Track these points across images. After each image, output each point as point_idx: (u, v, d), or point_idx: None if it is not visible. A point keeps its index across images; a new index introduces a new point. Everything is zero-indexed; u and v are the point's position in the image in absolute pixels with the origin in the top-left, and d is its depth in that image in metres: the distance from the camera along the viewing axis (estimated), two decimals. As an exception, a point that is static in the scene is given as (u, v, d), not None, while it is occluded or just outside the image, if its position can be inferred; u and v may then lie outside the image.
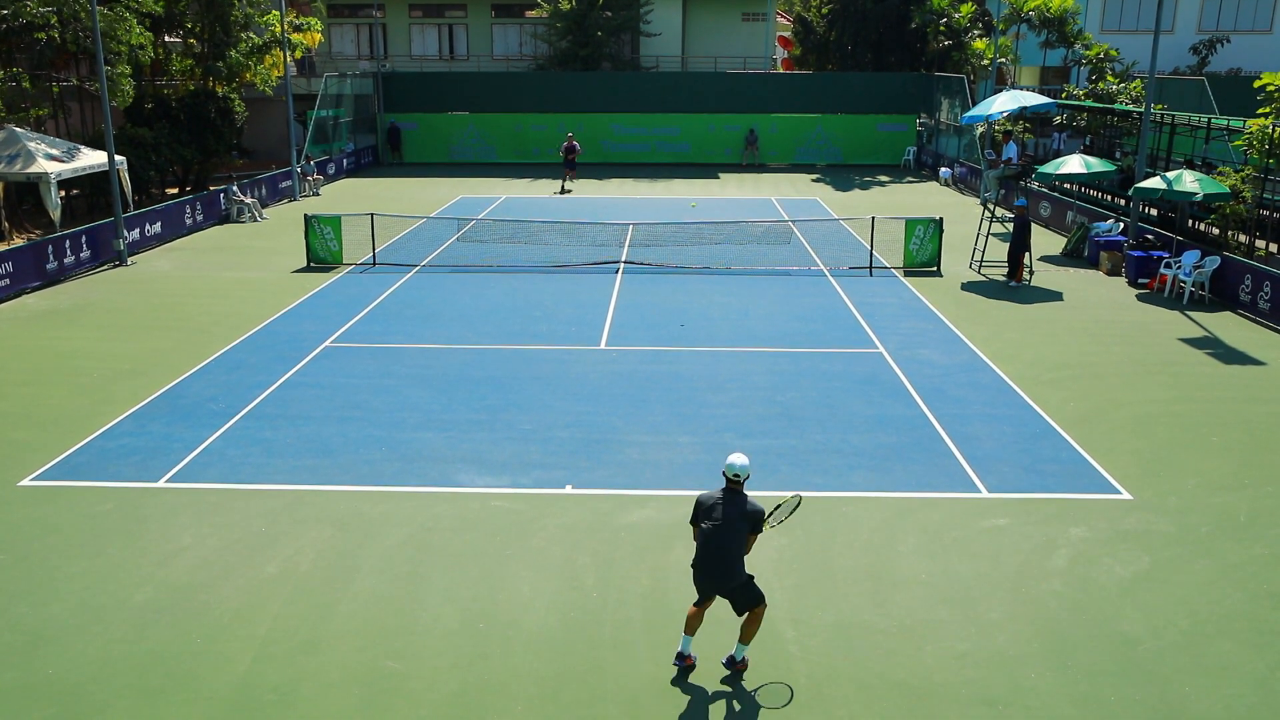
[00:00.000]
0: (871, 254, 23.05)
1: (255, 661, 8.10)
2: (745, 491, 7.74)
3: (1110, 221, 24.56)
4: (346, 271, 22.43)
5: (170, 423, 13.20)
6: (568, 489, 11.31)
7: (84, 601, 8.97)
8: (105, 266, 22.97)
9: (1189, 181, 20.00)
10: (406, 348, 16.66)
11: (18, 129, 25.37)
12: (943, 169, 38.93)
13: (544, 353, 16.39)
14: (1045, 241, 26.28)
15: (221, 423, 13.20)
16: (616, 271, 22.29)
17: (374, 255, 23.33)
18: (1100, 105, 32.70)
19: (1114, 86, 36.11)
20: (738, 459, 7.73)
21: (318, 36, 39.88)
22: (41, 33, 26.72)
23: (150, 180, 32.38)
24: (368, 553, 9.85)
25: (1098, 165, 23.30)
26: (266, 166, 39.14)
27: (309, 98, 40.65)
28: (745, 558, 7.71)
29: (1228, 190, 20.67)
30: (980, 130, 35.34)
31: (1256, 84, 22.05)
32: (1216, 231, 22.44)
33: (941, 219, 22.85)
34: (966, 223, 27.12)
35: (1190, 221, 23.81)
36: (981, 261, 22.95)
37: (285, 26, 33.72)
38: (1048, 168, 24.40)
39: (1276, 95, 21.18)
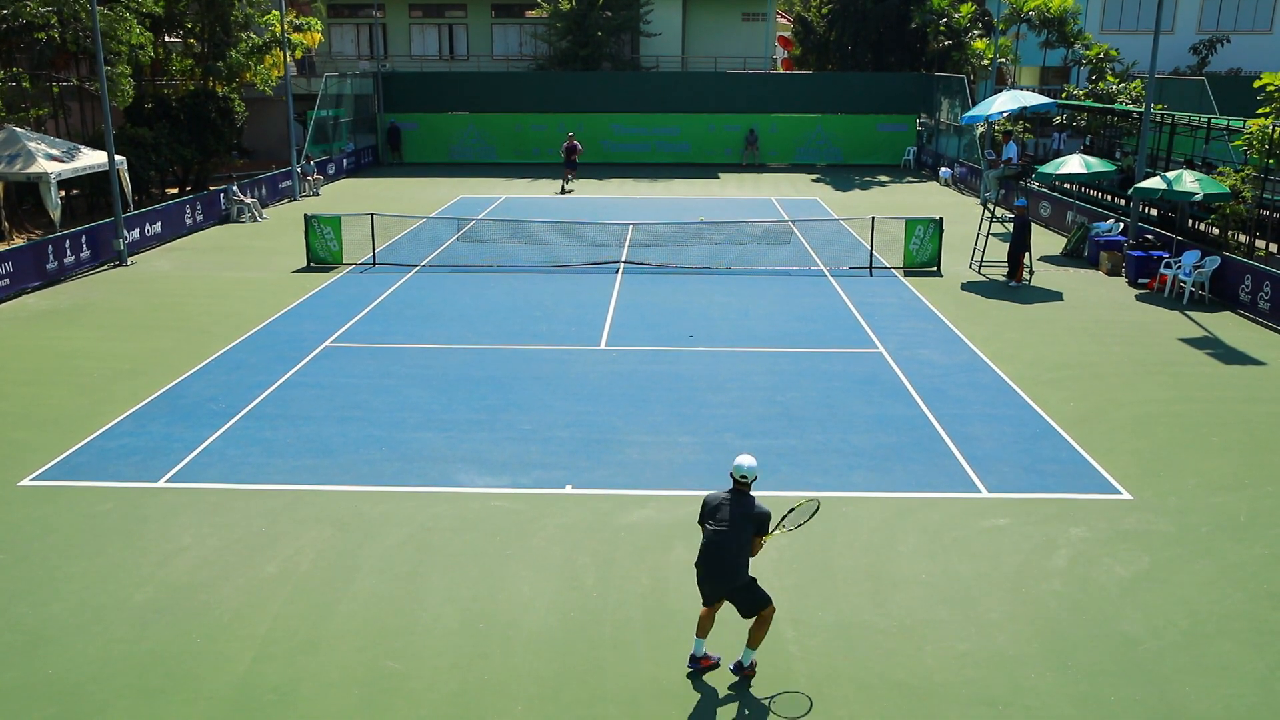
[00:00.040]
0: (871, 254, 23.05)
1: (255, 661, 8.10)
2: (753, 493, 7.68)
3: (1110, 221, 24.55)
4: (346, 271, 22.43)
5: (170, 423, 13.20)
6: (568, 489, 11.31)
7: (84, 601, 8.97)
8: (105, 266, 22.97)
9: (1189, 181, 20.00)
10: (406, 348, 16.66)
11: (18, 129, 25.36)
12: (943, 169, 38.94)
13: (544, 353, 16.39)
14: (1045, 241, 26.28)
15: (221, 423, 13.20)
16: (616, 271, 22.29)
17: (374, 255, 23.33)
18: (1100, 105, 32.70)
19: (1114, 86, 36.12)
20: (745, 460, 7.67)
21: (318, 36, 39.88)
22: (41, 33, 26.72)
23: (150, 180, 32.39)
24: (368, 553, 9.86)
25: (1098, 165, 23.30)
26: (266, 166, 39.15)
27: (309, 98, 40.65)
28: (751, 560, 7.64)
29: (1228, 190, 20.67)
30: (980, 130, 35.34)
31: (1256, 84, 22.04)
32: (1216, 231, 22.44)
33: (941, 219, 22.85)
34: (966, 223, 27.12)
35: (1190, 221, 23.81)
36: (981, 261, 22.95)
37: (285, 26, 33.72)
38: (1048, 168, 24.40)
39: (1276, 95, 21.18)
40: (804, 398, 14.21)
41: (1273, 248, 21.62)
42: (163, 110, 33.39)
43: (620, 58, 47.20)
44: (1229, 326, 18.22)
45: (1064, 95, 36.91)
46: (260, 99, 40.73)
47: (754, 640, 7.78)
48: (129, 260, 23.49)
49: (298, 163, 34.31)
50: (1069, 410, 13.74)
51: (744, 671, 7.89)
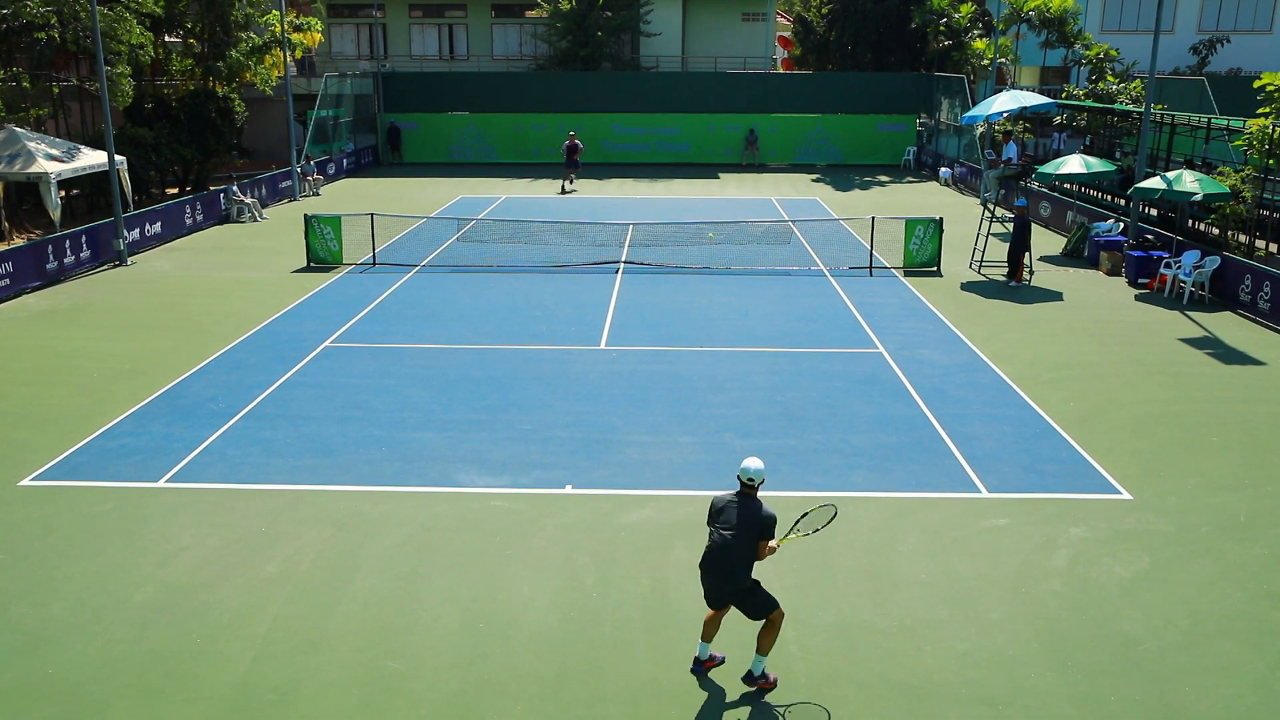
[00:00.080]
0: (871, 254, 23.05)
1: (255, 661, 8.10)
2: (759, 497, 7.63)
3: (1110, 221, 24.56)
4: (346, 271, 22.44)
5: (170, 423, 13.20)
6: (568, 489, 11.31)
7: (84, 601, 8.97)
8: (105, 266, 22.97)
9: (1189, 181, 20.00)
10: (406, 348, 16.66)
11: (18, 129, 25.36)
12: (943, 169, 38.94)
13: (544, 353, 16.39)
14: (1045, 241, 26.28)
15: (221, 423, 13.20)
16: (616, 271, 22.29)
17: (374, 255, 23.33)
18: (1100, 105, 32.70)
19: (1114, 86, 36.12)
20: (752, 463, 7.61)
21: (318, 36, 39.88)
22: (41, 33, 26.73)
23: (150, 180, 32.40)
24: (368, 553, 9.86)
25: (1098, 165, 23.29)
26: (266, 166, 39.15)
27: (309, 98, 40.65)
28: (756, 563, 7.58)
29: (1228, 190, 20.68)
30: (980, 130, 35.34)
31: (1256, 84, 22.05)
32: (1216, 231, 22.44)
33: (941, 219, 22.85)
34: (966, 223, 27.12)
35: (1190, 221, 23.82)
36: (981, 261, 22.96)
37: (285, 26, 33.72)
38: (1048, 168, 24.39)
39: (1276, 95, 21.18)
40: (804, 398, 14.21)
41: (1273, 248, 21.62)
42: (163, 110, 33.39)
43: (620, 58, 47.20)
44: (1229, 326, 18.22)
45: (1064, 95, 36.91)
46: (260, 99, 40.73)
47: (762, 646, 7.67)
48: (129, 260, 23.49)
49: (298, 163, 34.31)
50: (1069, 410, 13.74)
51: (756, 682, 7.74)
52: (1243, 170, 22.11)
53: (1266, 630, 8.58)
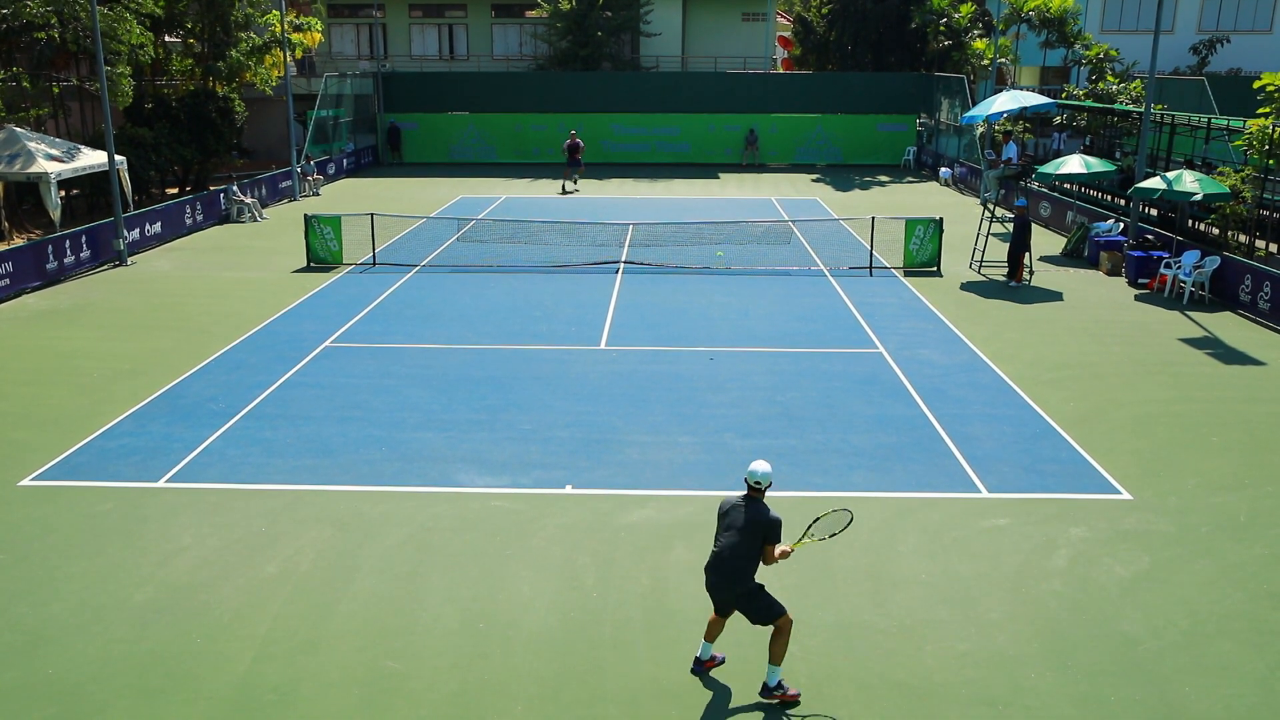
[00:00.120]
0: (871, 254, 23.05)
1: (255, 661, 8.10)
2: (766, 500, 7.59)
3: (1110, 221, 24.56)
4: (346, 271, 22.44)
5: (170, 423, 13.20)
6: (568, 489, 11.31)
7: (84, 601, 8.97)
8: (105, 266, 22.97)
9: (1189, 181, 20.00)
10: (406, 348, 16.66)
11: (18, 129, 25.37)
12: (943, 169, 38.93)
13: (544, 353, 16.39)
14: (1045, 241, 26.28)
15: (221, 423, 13.20)
16: (616, 271, 22.29)
17: (374, 255, 23.33)
18: (1100, 105, 32.70)
19: (1114, 86, 36.11)
20: (759, 466, 7.57)
21: (318, 36, 39.87)
22: (41, 33, 26.73)
23: (150, 180, 32.39)
24: (368, 553, 9.86)
25: (1098, 165, 23.30)
26: (266, 166, 39.15)
27: (309, 98, 40.65)
28: (761, 568, 7.54)
29: (1228, 190, 20.68)
30: (980, 130, 35.34)
31: (1256, 84, 22.04)
32: (1216, 231, 22.44)
33: (941, 219, 22.85)
34: (966, 223, 27.12)
35: (1190, 221, 23.81)
36: (981, 261, 22.96)
37: (285, 26, 33.72)
38: (1048, 168, 24.40)
39: (1276, 95, 21.17)
40: (804, 398, 14.21)
41: (1273, 248, 21.61)
42: (163, 110, 33.39)
43: (620, 58, 47.20)
44: (1229, 326, 18.22)
45: (1064, 95, 36.91)
46: (260, 99, 40.73)
47: (774, 655, 7.57)
48: (129, 260, 23.49)
49: (298, 163, 34.31)
50: (1069, 410, 13.74)
51: (773, 694, 7.59)
52: (1243, 170, 22.11)
53: (1266, 630, 8.58)
